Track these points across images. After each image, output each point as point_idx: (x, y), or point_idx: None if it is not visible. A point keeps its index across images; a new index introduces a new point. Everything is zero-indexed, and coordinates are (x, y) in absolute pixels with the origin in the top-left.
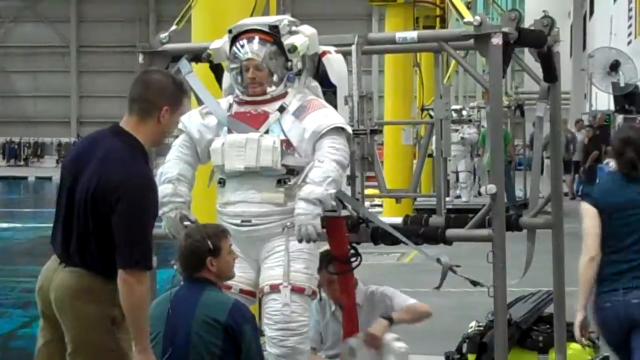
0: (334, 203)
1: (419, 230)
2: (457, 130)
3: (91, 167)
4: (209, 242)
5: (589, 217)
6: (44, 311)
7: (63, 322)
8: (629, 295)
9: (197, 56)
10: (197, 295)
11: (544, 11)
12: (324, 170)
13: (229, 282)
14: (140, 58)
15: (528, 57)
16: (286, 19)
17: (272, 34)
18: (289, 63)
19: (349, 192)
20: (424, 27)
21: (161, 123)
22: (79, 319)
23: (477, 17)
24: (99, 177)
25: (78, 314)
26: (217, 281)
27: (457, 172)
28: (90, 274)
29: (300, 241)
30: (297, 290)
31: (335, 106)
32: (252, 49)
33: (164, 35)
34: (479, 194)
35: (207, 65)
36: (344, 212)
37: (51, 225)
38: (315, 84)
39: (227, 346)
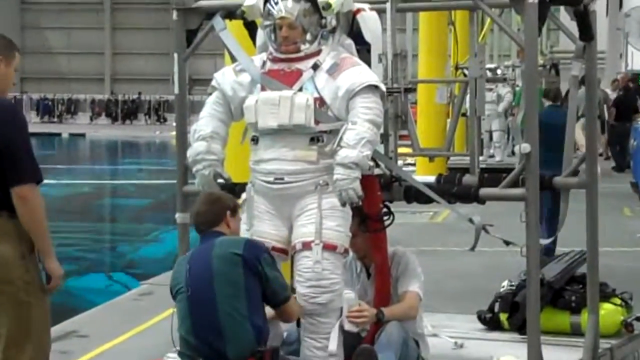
0: (371, 163)
1: (452, 189)
2: (491, 89)
3: None
4: (229, 200)
5: None
6: None
7: None
8: None
9: (231, 13)
10: (212, 240)
11: None
12: (358, 132)
13: (261, 239)
14: (175, 15)
15: (564, 15)
16: None
17: None
18: (323, 20)
19: (382, 151)
20: None
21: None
22: None
23: None
24: None
25: None
26: None
27: (490, 132)
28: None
29: (343, 205)
30: (328, 247)
31: (369, 64)
32: (285, 7)
33: None
34: (513, 153)
35: (241, 22)
36: (377, 171)
37: (83, 182)
38: (349, 41)
39: (249, 275)
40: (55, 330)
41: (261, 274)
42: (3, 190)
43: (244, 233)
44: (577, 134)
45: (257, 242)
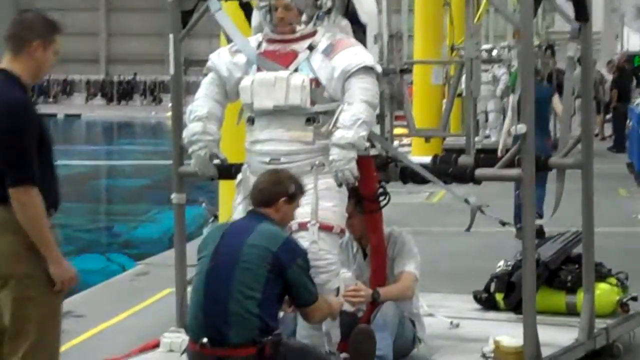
0: (367, 144)
1: (448, 169)
2: (487, 70)
3: None
4: (293, 186)
5: None
6: None
7: None
8: None
9: None
10: (255, 224)
11: None
12: (353, 113)
13: None
14: None
15: None
16: None
17: None
18: (319, 2)
19: (378, 131)
20: None
21: (33, 58)
22: None
23: None
24: None
25: None
26: (278, 224)
27: (486, 112)
28: (3, 208)
29: (340, 185)
30: (325, 228)
31: (364, 45)
32: None
33: None
34: (509, 133)
35: (236, 3)
36: (373, 151)
37: (80, 162)
38: (345, 22)
39: (272, 273)
40: None
41: (286, 278)
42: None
43: (237, 212)
44: (556, 104)
45: (298, 244)
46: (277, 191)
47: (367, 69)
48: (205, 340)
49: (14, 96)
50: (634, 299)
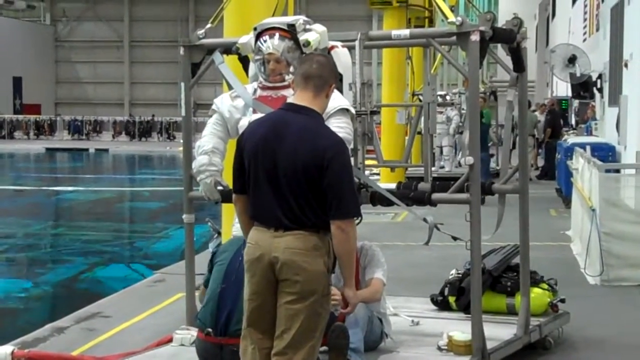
0: None
1: (410, 194)
2: (441, 112)
3: (291, 142)
4: None
5: None
6: (263, 274)
7: (289, 277)
8: None
9: (228, 49)
10: None
11: (514, 13)
12: None
13: None
14: (181, 51)
15: (500, 51)
16: (301, 18)
17: (290, 31)
18: (304, 55)
19: (352, 163)
20: (415, 26)
21: (328, 98)
22: (307, 271)
23: (459, 18)
24: (307, 149)
25: (307, 268)
26: None
27: (441, 147)
28: (311, 234)
29: None
30: None
31: (341, 91)
32: (273, 44)
33: (201, 32)
34: (459, 164)
35: (236, 57)
36: None
37: (107, 188)
38: None
39: None
40: (83, 311)
41: None
42: (319, 213)
43: (235, 228)
44: (491, 133)
45: None
46: None
47: (343, 111)
48: (210, 330)
49: (339, 137)
50: (562, 300)
